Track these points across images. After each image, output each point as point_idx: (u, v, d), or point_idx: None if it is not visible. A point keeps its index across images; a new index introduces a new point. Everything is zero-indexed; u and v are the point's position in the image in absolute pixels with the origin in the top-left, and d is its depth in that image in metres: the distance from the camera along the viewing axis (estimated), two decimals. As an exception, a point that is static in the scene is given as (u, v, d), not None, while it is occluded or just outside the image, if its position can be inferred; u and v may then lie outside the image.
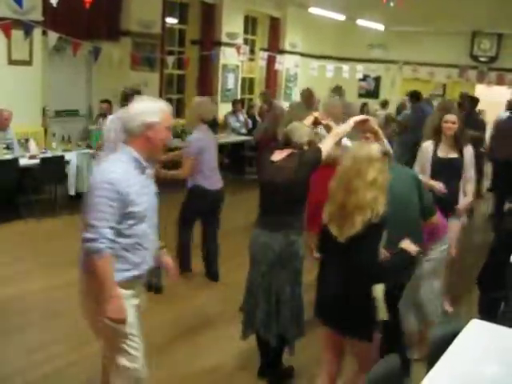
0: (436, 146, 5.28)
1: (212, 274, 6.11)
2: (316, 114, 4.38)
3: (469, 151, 5.25)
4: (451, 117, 5.23)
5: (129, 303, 3.08)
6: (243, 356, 4.50)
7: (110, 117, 6.24)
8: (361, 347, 3.31)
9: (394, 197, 3.35)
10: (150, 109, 3.01)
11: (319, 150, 3.89)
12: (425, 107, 10.52)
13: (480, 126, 9.59)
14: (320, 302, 3.38)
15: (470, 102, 9.90)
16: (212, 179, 5.83)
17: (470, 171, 5.24)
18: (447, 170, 5.14)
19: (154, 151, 3.08)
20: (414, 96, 10.76)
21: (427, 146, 5.34)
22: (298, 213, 3.97)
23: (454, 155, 5.22)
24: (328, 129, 4.30)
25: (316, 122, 4.30)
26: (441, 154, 5.26)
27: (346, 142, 4.81)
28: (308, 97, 9.03)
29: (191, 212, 5.95)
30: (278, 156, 3.96)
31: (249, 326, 4.11)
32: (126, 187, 2.91)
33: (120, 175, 2.92)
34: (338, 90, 10.35)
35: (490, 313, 4.50)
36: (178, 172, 5.75)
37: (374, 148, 3.24)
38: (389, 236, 3.33)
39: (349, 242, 3.10)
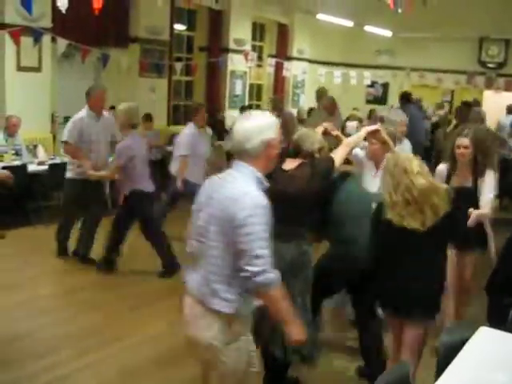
0: (451, 171, 4.86)
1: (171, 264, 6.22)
2: (326, 124, 4.37)
3: (488, 177, 4.71)
4: (463, 141, 4.71)
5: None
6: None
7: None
8: (418, 335, 3.69)
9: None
10: (266, 124, 2.82)
11: (331, 160, 3.88)
12: (408, 109, 10.44)
13: None
14: (391, 296, 3.71)
15: (464, 110, 9.65)
16: (148, 182, 6.15)
17: (485, 196, 4.66)
18: (459, 201, 4.39)
19: (271, 166, 2.94)
20: (404, 97, 10.69)
21: (441, 170, 4.95)
22: (310, 223, 3.92)
23: (468, 184, 4.77)
24: (338, 140, 4.29)
25: (326, 133, 4.29)
26: (454, 182, 4.80)
27: (357, 151, 4.81)
28: (330, 104, 9.02)
29: (131, 215, 6.15)
30: (289, 165, 3.91)
31: (260, 339, 4.00)
32: (268, 210, 2.76)
33: (263, 197, 2.76)
34: (321, 93, 10.08)
35: (498, 320, 4.47)
36: (105, 174, 6.18)
37: (406, 149, 3.78)
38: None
39: (431, 229, 3.51)
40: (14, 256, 6.58)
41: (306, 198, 3.80)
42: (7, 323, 5.00)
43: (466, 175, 4.79)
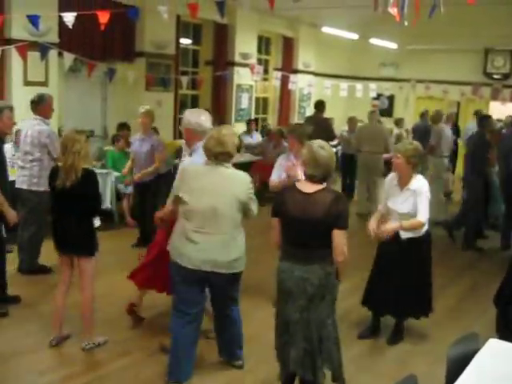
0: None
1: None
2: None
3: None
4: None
5: None
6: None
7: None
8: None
9: None
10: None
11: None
12: None
13: None
14: None
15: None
16: None
17: None
18: None
19: None
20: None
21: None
22: (331, 243, 3.79)
23: None
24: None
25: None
26: None
27: None
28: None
29: None
30: (308, 187, 3.82)
31: (285, 366, 3.95)
32: None
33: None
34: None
35: (508, 332, 4.44)
36: None
37: None
38: None
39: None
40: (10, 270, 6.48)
41: (328, 222, 3.71)
42: (9, 338, 5.00)
43: None
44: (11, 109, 5.96)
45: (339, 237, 3.74)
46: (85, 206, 4.67)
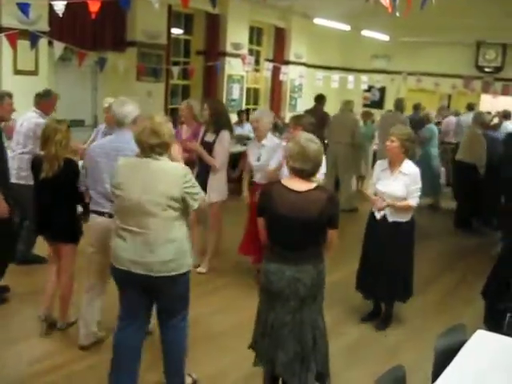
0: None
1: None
2: None
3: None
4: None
5: None
6: None
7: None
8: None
9: None
10: None
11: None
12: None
13: None
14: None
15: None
16: None
17: None
18: None
19: None
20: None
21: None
22: (323, 241, 3.72)
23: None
24: None
25: None
26: None
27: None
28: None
29: None
30: (298, 185, 3.62)
31: (270, 367, 3.80)
32: None
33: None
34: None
35: (495, 323, 4.48)
36: None
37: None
38: None
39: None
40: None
41: (322, 221, 3.59)
42: (5, 327, 5.00)
43: None
44: (10, 96, 5.98)
45: (334, 236, 3.73)
46: (67, 194, 4.72)
